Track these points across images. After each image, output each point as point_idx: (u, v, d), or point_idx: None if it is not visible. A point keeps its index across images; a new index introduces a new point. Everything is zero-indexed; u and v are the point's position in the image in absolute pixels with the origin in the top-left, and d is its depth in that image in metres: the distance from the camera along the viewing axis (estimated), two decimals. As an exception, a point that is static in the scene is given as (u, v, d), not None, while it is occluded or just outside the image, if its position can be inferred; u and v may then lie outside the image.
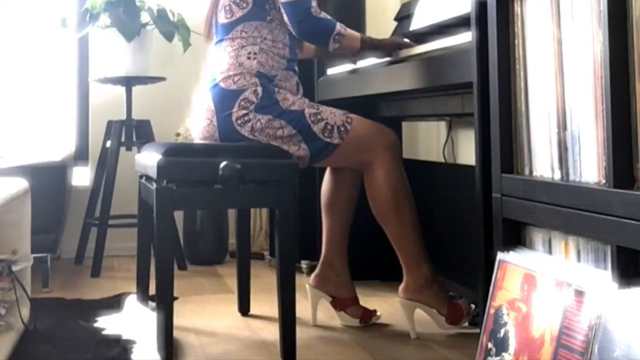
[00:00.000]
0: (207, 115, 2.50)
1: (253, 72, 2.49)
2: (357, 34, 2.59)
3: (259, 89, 2.47)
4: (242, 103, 2.45)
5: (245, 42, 2.53)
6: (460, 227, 2.85)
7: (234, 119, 2.45)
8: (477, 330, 1.89)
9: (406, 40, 2.67)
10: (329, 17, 2.53)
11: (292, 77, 2.58)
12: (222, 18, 2.58)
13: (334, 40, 2.52)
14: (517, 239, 1.83)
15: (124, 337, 2.44)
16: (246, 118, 2.44)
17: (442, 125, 3.64)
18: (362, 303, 2.70)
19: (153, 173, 2.28)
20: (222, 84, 2.49)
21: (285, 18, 2.52)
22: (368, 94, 2.83)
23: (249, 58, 2.51)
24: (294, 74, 2.60)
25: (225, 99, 2.47)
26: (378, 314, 2.71)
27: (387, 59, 2.67)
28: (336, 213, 2.68)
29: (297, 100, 2.51)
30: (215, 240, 4.00)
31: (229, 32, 2.56)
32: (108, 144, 3.82)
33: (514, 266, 1.73)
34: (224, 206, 3.41)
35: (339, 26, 2.53)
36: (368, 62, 2.81)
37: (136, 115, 3.88)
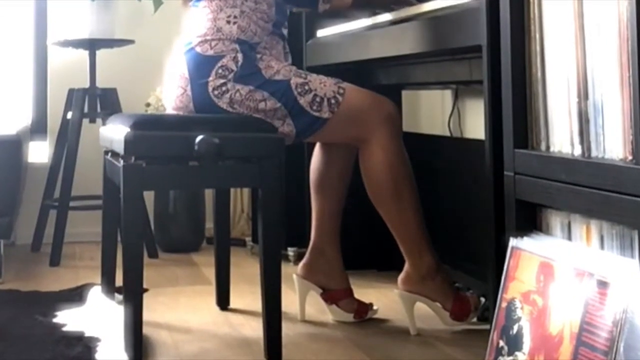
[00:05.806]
0: (181, 83, 2.49)
1: (233, 38, 2.47)
2: None
3: (239, 56, 2.45)
4: (220, 71, 2.44)
5: (225, 3, 2.51)
6: (468, 210, 2.86)
7: (210, 89, 2.43)
8: (487, 327, 1.89)
9: None
10: None
11: (278, 43, 2.56)
12: None
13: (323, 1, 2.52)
14: (532, 223, 1.84)
15: (87, 334, 2.44)
16: (224, 88, 2.43)
17: (448, 94, 3.64)
18: (356, 295, 2.71)
19: (120, 148, 2.27)
20: (198, 49, 2.48)
21: None
22: (364, 59, 2.81)
23: (228, 22, 2.49)
24: (281, 39, 2.58)
25: (201, 66, 2.46)
26: (374, 307, 2.71)
27: (385, 19, 2.65)
28: (327, 193, 2.67)
29: (282, 68, 2.49)
30: (191, 225, 4.00)
31: (207, -8, 2.54)
32: (69, 115, 3.81)
33: (528, 254, 1.73)
34: (201, 186, 3.41)
35: None
36: (363, 22, 2.80)
37: (101, 83, 3.87)
